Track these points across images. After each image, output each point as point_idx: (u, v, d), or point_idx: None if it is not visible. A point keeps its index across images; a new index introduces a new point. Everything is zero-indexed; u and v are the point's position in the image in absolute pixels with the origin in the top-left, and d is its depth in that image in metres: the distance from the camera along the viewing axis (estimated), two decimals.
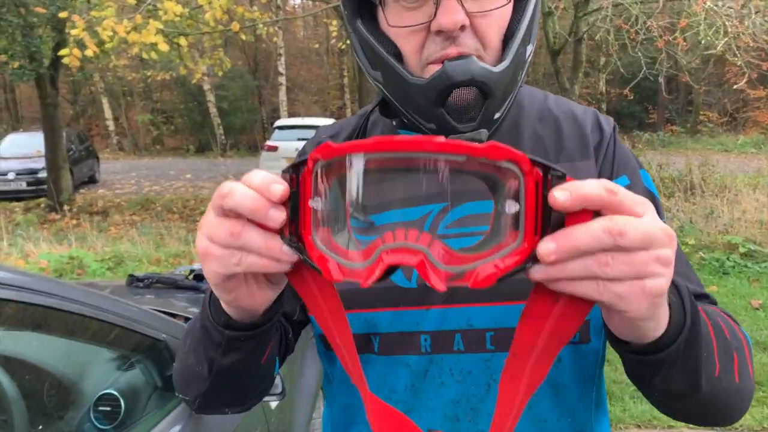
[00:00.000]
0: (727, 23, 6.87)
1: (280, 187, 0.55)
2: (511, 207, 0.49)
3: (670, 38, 7.75)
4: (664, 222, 0.89)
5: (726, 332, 0.71)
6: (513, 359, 0.57)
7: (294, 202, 0.55)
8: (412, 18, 0.79)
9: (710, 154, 14.28)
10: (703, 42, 7.13)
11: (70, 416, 1.55)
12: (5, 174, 13.71)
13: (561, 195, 0.47)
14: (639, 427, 3.32)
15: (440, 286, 0.50)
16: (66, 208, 11.99)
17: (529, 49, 0.83)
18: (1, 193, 13.53)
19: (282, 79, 22.41)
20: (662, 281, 0.51)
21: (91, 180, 16.26)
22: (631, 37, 8.31)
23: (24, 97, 31.29)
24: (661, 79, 8.75)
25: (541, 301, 0.53)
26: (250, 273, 0.62)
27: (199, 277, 2.70)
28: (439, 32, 0.77)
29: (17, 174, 13.81)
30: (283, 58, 21.96)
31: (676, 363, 0.62)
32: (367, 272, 0.52)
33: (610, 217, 0.48)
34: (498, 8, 0.79)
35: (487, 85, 0.77)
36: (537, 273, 0.50)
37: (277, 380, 1.65)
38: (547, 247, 0.48)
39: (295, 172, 0.56)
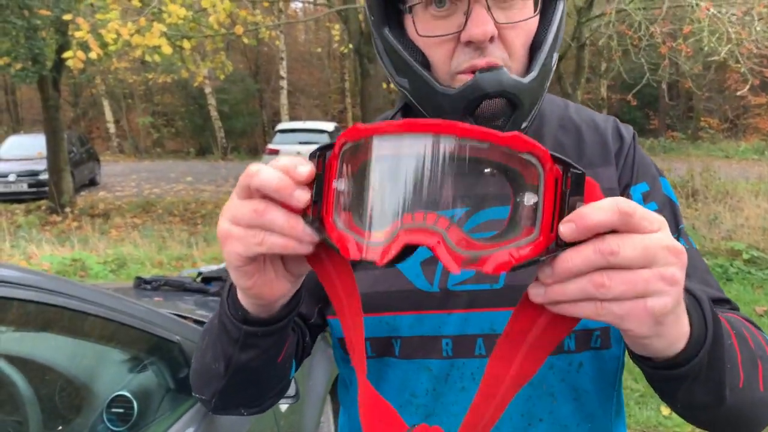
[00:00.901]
0: (730, 30, 6.89)
1: (306, 168, 0.55)
2: (530, 199, 0.49)
3: (673, 44, 7.77)
4: (682, 228, 0.89)
5: (750, 341, 0.71)
6: (504, 340, 0.56)
7: (318, 185, 0.56)
8: (442, 27, 0.79)
9: (711, 161, 14.30)
10: (705, 48, 7.15)
11: (84, 418, 1.55)
12: (6, 176, 13.74)
13: (566, 229, 0.47)
14: None
15: (455, 268, 0.49)
16: (67, 210, 12.02)
17: (555, 57, 0.84)
18: (2, 194, 13.54)
19: (283, 83, 22.46)
20: (666, 300, 0.50)
21: (92, 182, 16.29)
22: (634, 43, 8.34)
23: (25, 99, 31.35)
24: (663, 85, 8.77)
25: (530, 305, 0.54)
26: (269, 258, 0.62)
27: (207, 279, 2.71)
28: (468, 43, 0.78)
29: (18, 175, 13.84)
30: (284, 62, 22.02)
31: (699, 377, 0.61)
32: (384, 251, 0.52)
33: (602, 238, 0.48)
34: (526, 20, 0.80)
35: (517, 97, 0.78)
36: (538, 297, 0.51)
37: (291, 383, 1.65)
38: (544, 271, 0.50)
39: (322, 155, 0.56)
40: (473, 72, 0.78)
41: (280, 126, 15.38)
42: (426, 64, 0.82)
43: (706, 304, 0.62)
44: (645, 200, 0.89)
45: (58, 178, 12.39)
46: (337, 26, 11.81)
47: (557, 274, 0.49)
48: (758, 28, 7.48)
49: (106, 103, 26.69)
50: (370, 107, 10.25)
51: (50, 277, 1.45)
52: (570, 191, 0.48)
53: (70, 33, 10.04)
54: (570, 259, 0.48)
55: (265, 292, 0.65)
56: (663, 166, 7.51)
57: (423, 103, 0.84)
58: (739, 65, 7.05)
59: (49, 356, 1.53)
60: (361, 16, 9.84)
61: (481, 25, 0.76)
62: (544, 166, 0.48)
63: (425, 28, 0.80)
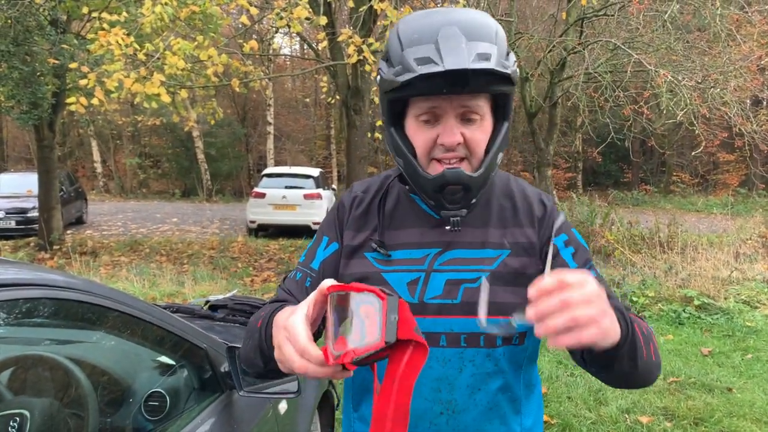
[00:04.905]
0: (686, 95, 7.52)
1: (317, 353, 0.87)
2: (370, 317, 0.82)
3: (636, 107, 8.41)
4: (591, 263, 1.35)
5: (644, 329, 1.14)
6: (386, 378, 0.86)
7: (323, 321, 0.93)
8: (427, 133, 1.22)
9: (682, 214, 14.85)
10: (665, 111, 7.77)
11: (126, 409, 1.91)
12: None
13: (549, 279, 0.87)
14: None
15: (332, 361, 0.83)
16: (56, 247, 12.24)
17: (500, 156, 1.27)
18: None
19: (270, 128, 23.02)
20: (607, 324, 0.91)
21: (79, 221, 16.49)
22: (600, 105, 8.98)
23: (10, 137, 31.60)
24: (627, 144, 9.39)
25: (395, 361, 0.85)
26: None
27: (213, 307, 3.07)
28: (441, 144, 1.21)
29: (7, 213, 14.03)
30: (272, 108, 22.62)
31: (626, 354, 1.06)
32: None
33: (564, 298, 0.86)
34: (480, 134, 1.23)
35: (468, 185, 1.20)
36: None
37: (295, 384, 2.03)
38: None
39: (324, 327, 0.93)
40: (444, 164, 1.21)
41: (267, 171, 15.60)
42: (414, 152, 1.25)
43: (625, 313, 1.08)
44: (566, 245, 1.31)
45: (49, 216, 12.60)
46: (325, 78, 12.33)
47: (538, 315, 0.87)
48: (714, 93, 8.15)
49: (94, 144, 27.00)
50: (355, 155, 10.78)
51: (97, 284, 1.74)
52: (390, 309, 0.80)
53: (70, 80, 10.52)
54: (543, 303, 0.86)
55: None
56: (632, 218, 8.02)
57: (410, 178, 1.26)
58: (694, 127, 7.66)
59: (101, 357, 1.91)
60: (348, 71, 10.40)
61: (451, 136, 1.19)
62: (380, 297, 0.81)
63: (414, 131, 1.24)
